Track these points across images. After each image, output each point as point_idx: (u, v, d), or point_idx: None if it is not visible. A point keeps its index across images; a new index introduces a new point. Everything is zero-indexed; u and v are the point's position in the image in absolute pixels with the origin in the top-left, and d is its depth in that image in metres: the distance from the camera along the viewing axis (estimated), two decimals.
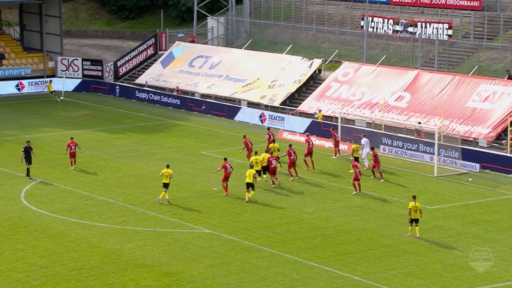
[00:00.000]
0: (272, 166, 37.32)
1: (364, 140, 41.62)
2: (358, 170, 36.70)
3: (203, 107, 54.56)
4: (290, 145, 39.82)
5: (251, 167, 36.21)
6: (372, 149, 40.10)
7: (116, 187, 38.30)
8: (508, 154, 41.97)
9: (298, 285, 26.81)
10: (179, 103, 57.50)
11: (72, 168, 40.91)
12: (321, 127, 48.32)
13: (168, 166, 35.87)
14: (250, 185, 35.49)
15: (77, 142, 41.74)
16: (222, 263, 28.81)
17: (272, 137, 42.74)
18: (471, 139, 44.97)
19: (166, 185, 35.42)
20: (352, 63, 54.52)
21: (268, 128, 44.62)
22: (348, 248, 30.23)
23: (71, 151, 41.21)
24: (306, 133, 44.12)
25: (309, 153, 41.02)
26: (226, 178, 36.10)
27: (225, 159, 37.28)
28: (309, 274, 27.77)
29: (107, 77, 64.03)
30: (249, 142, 41.34)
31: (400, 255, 29.54)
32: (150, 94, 59.54)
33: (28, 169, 39.41)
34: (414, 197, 31.27)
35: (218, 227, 32.60)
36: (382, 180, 38.68)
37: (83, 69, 64.17)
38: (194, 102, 56.85)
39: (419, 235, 30.35)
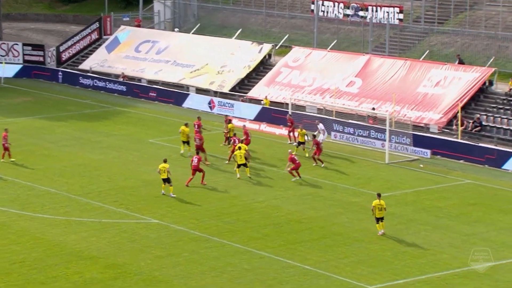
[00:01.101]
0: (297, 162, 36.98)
1: (320, 126, 41.85)
2: (298, 162, 36.94)
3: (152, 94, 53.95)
4: (314, 136, 40.30)
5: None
6: (314, 136, 40.57)
7: (59, 176, 37.90)
8: (459, 140, 42.69)
9: (248, 275, 26.93)
10: (125, 89, 57.04)
11: (2, 160, 39.87)
12: (271, 113, 48.47)
13: (165, 161, 35.07)
14: (242, 165, 36.81)
15: (7, 134, 40.17)
16: (170, 254, 28.77)
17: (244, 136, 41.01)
18: (422, 125, 45.60)
19: (166, 180, 34.72)
20: (302, 48, 54.72)
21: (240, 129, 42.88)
22: (298, 237, 30.44)
23: (4, 143, 40.10)
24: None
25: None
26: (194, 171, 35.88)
27: (197, 152, 37.22)
28: (259, 264, 27.91)
29: (49, 63, 63.15)
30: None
31: (351, 243, 29.88)
32: (95, 80, 58.95)
33: None
34: (379, 195, 30.53)
35: (166, 217, 32.52)
36: (322, 166, 39.01)
37: (23, 55, 63.16)
38: (140, 89, 56.49)
39: (384, 231, 30.18)
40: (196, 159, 35.91)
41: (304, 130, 41.41)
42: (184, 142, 41.06)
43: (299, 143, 40.99)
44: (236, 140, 39.31)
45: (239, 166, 37.16)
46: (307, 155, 40.73)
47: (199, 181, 36.13)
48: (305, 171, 38.74)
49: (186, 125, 40.94)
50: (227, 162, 39.40)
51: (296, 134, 42.09)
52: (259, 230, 31.14)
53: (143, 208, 33.53)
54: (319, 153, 39.62)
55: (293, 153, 37.39)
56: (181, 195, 35.10)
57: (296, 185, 36.71)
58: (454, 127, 44.49)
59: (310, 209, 33.60)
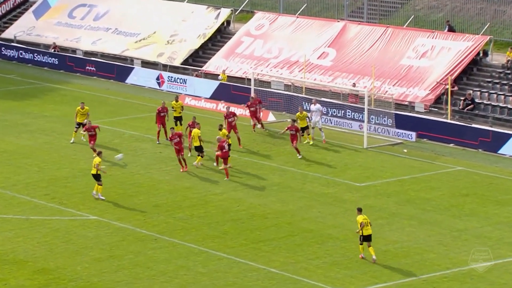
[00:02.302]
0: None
1: (316, 107, 41.52)
2: (225, 151, 36.13)
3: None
4: (294, 120, 39.51)
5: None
6: (294, 121, 39.78)
7: None
8: (449, 121, 43.11)
9: (204, 280, 27.02)
10: (57, 62, 56.76)
11: None
12: (230, 90, 48.47)
13: (99, 154, 34.89)
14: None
15: None
16: (111, 256, 28.74)
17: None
18: (406, 103, 45.95)
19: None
20: (267, 13, 54.75)
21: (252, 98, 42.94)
22: (263, 235, 30.54)
23: None
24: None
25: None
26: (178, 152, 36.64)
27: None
28: (217, 267, 27.99)
29: None
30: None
31: (324, 241, 30.07)
32: (20, 51, 58.64)
33: None
34: (360, 209, 28.56)
35: (107, 212, 32.44)
36: (299, 157, 38.95)
37: None
38: (75, 62, 56.16)
39: (375, 257, 28.00)
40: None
41: (305, 112, 40.91)
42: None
43: (302, 129, 39.99)
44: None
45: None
46: (311, 142, 40.51)
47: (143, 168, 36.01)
48: (272, 158, 38.86)
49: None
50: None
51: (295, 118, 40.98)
52: (217, 227, 31.20)
53: (80, 202, 33.41)
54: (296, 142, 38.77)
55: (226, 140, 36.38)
56: (125, 187, 35.00)
57: (260, 174, 36.79)
58: (443, 105, 44.91)
59: (276, 202, 33.72)
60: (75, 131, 40.73)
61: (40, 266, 27.91)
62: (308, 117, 41.04)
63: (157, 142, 40.37)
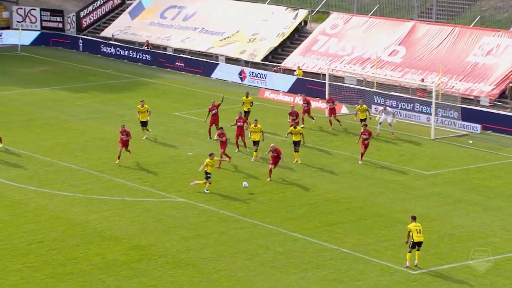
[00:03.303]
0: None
1: (388, 111, 40.70)
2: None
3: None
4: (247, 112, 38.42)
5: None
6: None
7: (80, 151, 38.17)
8: None
9: (281, 259, 26.97)
10: (149, 58, 57.22)
11: None
12: (307, 85, 48.31)
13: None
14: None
15: None
16: (197, 235, 28.88)
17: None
18: (472, 97, 45.18)
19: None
20: (341, 13, 54.36)
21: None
22: (336, 218, 30.37)
23: None
24: (303, 94, 43.10)
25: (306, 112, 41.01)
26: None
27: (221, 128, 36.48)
28: (293, 247, 27.92)
29: (68, 30, 63.53)
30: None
31: (393, 224, 29.76)
32: (117, 48, 59.21)
33: None
34: (414, 217, 26.30)
35: (194, 195, 32.60)
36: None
37: (41, 21, 63.60)
38: (166, 58, 56.58)
39: (417, 262, 26.15)
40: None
41: (364, 106, 40.25)
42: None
43: (361, 120, 39.55)
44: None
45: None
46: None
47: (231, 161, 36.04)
48: (343, 148, 38.65)
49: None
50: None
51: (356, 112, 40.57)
52: (293, 211, 31.12)
53: (169, 186, 33.67)
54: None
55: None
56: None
57: (334, 163, 36.58)
58: (507, 99, 43.99)
59: (349, 188, 33.49)
60: (142, 130, 39.37)
61: (134, 242, 28.24)
62: (367, 110, 40.44)
63: (208, 138, 39.31)
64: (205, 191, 32.71)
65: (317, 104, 44.72)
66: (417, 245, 26.00)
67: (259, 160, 36.12)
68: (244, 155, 37.25)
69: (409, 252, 26.09)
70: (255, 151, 36.53)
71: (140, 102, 40.32)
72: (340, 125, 41.67)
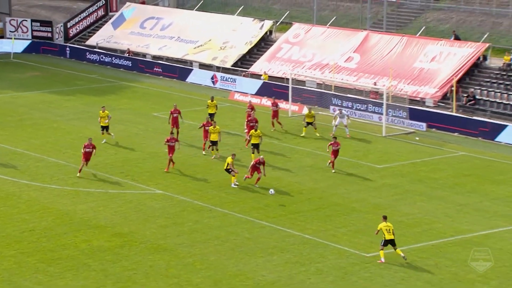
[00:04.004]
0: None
1: (343, 114, 40.26)
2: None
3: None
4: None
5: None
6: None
7: (67, 149, 37.85)
8: (454, 114, 42.55)
9: (249, 244, 26.95)
10: (130, 64, 56.89)
11: None
12: (272, 88, 48.28)
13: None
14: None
15: None
16: (174, 223, 28.79)
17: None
18: (418, 99, 45.41)
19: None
20: (302, 24, 54.40)
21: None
22: (298, 207, 30.42)
23: None
24: (273, 97, 42.63)
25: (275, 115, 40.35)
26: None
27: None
28: (260, 233, 27.91)
29: (57, 39, 62.93)
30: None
31: (349, 213, 29.87)
32: (101, 55, 58.80)
33: None
34: (385, 217, 25.81)
35: (171, 188, 32.49)
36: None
37: (32, 30, 62.92)
38: (145, 64, 56.28)
39: (404, 255, 25.37)
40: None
41: (313, 112, 39.84)
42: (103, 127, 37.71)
43: (308, 123, 39.44)
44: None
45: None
46: (318, 134, 39.85)
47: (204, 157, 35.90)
48: (305, 144, 38.75)
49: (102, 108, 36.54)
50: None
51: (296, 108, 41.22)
52: (260, 201, 31.13)
53: (148, 179, 33.51)
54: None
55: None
56: (184, 167, 35.06)
57: (296, 158, 36.63)
58: (449, 101, 44.31)
59: (310, 181, 33.56)
60: (102, 133, 37.98)
61: (116, 230, 28.07)
62: (314, 116, 39.64)
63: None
64: (233, 185, 32.03)
65: (281, 105, 44.63)
66: (389, 243, 25.19)
67: (219, 159, 35.84)
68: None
69: (381, 249, 25.27)
70: (213, 150, 36.03)
71: (101, 108, 38.73)
72: (282, 127, 40.80)
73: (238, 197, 31.54)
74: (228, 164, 32.48)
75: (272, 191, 31.15)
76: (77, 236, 27.47)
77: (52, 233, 27.76)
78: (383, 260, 25.39)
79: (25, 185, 32.75)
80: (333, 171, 34.29)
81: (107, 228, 28.28)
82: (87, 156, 33.53)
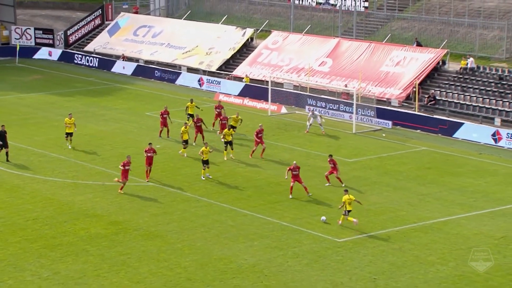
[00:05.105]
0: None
1: (316, 114, 40.11)
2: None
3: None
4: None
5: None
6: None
7: (67, 145, 37.58)
8: (416, 112, 42.75)
9: (232, 231, 26.96)
10: (124, 69, 56.59)
11: None
12: (253, 90, 48.25)
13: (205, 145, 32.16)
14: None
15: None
16: (165, 212, 28.73)
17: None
18: (384, 99, 45.59)
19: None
20: (280, 32, 54.41)
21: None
22: (277, 198, 30.46)
23: None
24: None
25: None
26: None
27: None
28: (242, 221, 27.93)
29: (58, 45, 62.52)
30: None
31: (323, 202, 29.92)
32: (98, 60, 58.41)
33: (6, 153, 34.33)
34: (346, 191, 27.27)
35: (161, 180, 32.38)
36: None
37: (35, 38, 62.53)
38: (140, 68, 55.99)
39: (356, 220, 26.73)
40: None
41: (240, 117, 37.26)
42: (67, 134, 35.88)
43: (231, 127, 36.69)
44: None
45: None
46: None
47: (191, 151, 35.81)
48: (283, 140, 38.78)
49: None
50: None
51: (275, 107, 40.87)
52: (243, 192, 31.13)
53: (142, 173, 33.35)
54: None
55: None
56: (175, 161, 34.98)
57: (274, 153, 36.63)
58: (412, 101, 44.50)
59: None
60: (66, 138, 36.12)
61: (112, 219, 27.97)
62: (241, 119, 37.61)
63: (159, 137, 38.23)
64: (202, 178, 31.65)
65: (261, 105, 44.71)
66: (349, 212, 27.00)
67: (184, 157, 35.12)
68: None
69: (344, 215, 27.07)
70: (184, 148, 35.43)
71: (68, 115, 36.61)
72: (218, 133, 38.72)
73: (222, 188, 31.51)
74: (202, 152, 31.94)
75: (324, 218, 27.89)
76: (76, 224, 27.35)
77: (53, 221, 27.62)
78: (341, 222, 27.11)
79: (29, 178, 32.54)
80: (343, 185, 31.33)
81: (104, 216, 28.17)
82: (149, 161, 31.69)
